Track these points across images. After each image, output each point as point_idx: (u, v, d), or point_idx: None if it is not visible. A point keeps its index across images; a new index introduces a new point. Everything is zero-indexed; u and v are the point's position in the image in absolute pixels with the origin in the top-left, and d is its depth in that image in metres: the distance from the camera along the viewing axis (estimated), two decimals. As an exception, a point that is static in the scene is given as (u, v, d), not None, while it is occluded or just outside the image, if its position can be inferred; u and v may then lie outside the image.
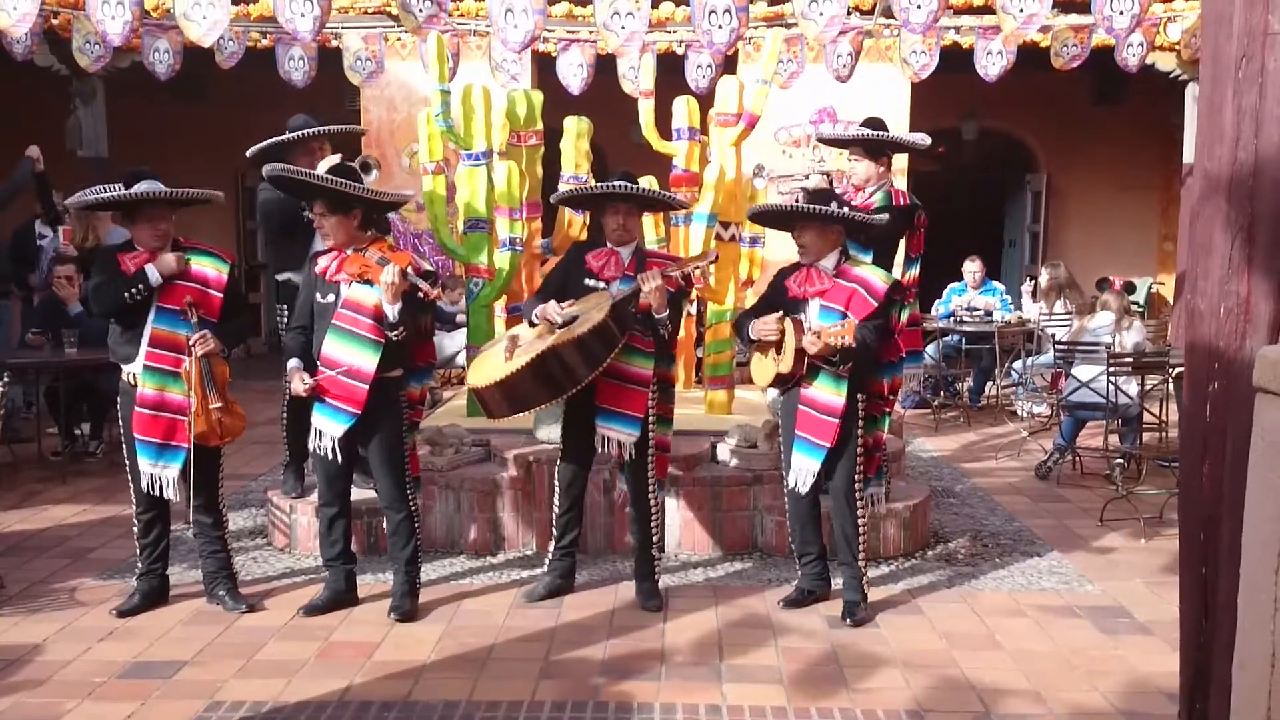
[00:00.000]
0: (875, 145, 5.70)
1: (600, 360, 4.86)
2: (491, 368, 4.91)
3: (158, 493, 4.91)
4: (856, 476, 4.98)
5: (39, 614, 5.04)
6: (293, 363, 4.94)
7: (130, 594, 5.11)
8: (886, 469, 5.82)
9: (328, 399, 4.83)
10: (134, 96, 11.56)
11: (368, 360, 4.77)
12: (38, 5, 6.70)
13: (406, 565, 5.04)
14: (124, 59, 9.91)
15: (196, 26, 6.74)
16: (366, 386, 4.78)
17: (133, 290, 4.77)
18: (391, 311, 4.71)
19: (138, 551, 5.11)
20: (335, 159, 5.77)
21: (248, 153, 6.04)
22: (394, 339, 4.78)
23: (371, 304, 4.77)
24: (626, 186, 5.08)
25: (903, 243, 5.76)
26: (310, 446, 4.96)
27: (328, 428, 4.85)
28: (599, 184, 5.17)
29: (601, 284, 5.05)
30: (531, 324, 5.04)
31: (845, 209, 5.00)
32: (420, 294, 4.75)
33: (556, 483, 5.29)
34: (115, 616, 4.97)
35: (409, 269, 4.71)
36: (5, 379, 6.08)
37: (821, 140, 6.16)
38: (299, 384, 4.86)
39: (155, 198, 4.84)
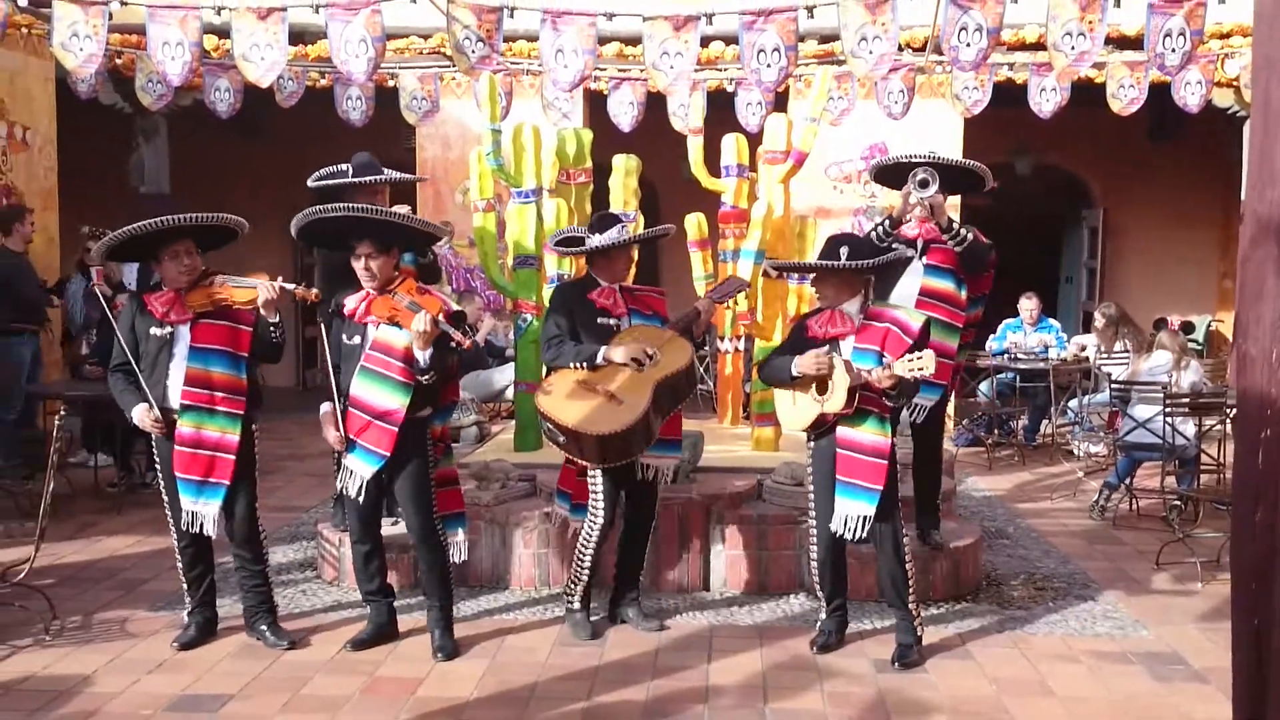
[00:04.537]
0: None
1: (687, 393, 5.13)
2: (595, 412, 4.85)
3: (197, 529, 4.96)
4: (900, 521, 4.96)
5: (90, 645, 5.11)
6: (326, 406, 4.97)
7: (186, 626, 5.15)
8: None
9: (360, 440, 4.89)
10: (196, 134, 11.79)
11: (398, 403, 4.81)
12: (103, 47, 6.85)
13: (441, 601, 5.06)
14: (186, 97, 10.12)
15: (255, 67, 6.85)
16: (397, 429, 4.83)
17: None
18: (423, 358, 4.76)
19: (185, 586, 5.16)
20: (405, 209, 5.82)
21: (309, 182, 6.11)
22: (424, 383, 4.83)
23: (401, 346, 4.82)
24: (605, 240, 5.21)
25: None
26: (343, 488, 5.02)
27: (359, 469, 4.91)
28: (599, 238, 5.23)
29: (613, 320, 5.15)
30: (585, 366, 5.02)
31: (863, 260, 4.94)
32: (453, 343, 4.78)
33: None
34: (177, 649, 5.01)
35: (440, 316, 4.73)
36: (62, 411, 6.18)
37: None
38: (331, 434, 4.94)
39: (175, 228, 4.78)
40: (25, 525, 5.62)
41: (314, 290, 4.92)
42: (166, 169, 11.41)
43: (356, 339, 4.91)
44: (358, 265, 4.92)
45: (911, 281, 5.55)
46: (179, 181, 11.73)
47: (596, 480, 5.12)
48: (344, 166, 6.10)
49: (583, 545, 5.19)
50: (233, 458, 4.91)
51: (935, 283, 5.55)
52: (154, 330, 4.90)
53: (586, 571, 5.21)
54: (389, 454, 4.84)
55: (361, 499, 4.95)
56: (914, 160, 5.61)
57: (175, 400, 4.88)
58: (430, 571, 5.05)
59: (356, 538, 5.11)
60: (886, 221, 5.52)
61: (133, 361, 4.90)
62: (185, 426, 4.88)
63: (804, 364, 4.77)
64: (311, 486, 8.44)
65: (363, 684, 4.66)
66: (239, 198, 11.84)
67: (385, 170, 6.17)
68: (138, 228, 4.78)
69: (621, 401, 4.85)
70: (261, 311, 4.86)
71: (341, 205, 5.05)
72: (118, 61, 9.56)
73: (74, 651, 5.02)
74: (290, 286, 4.84)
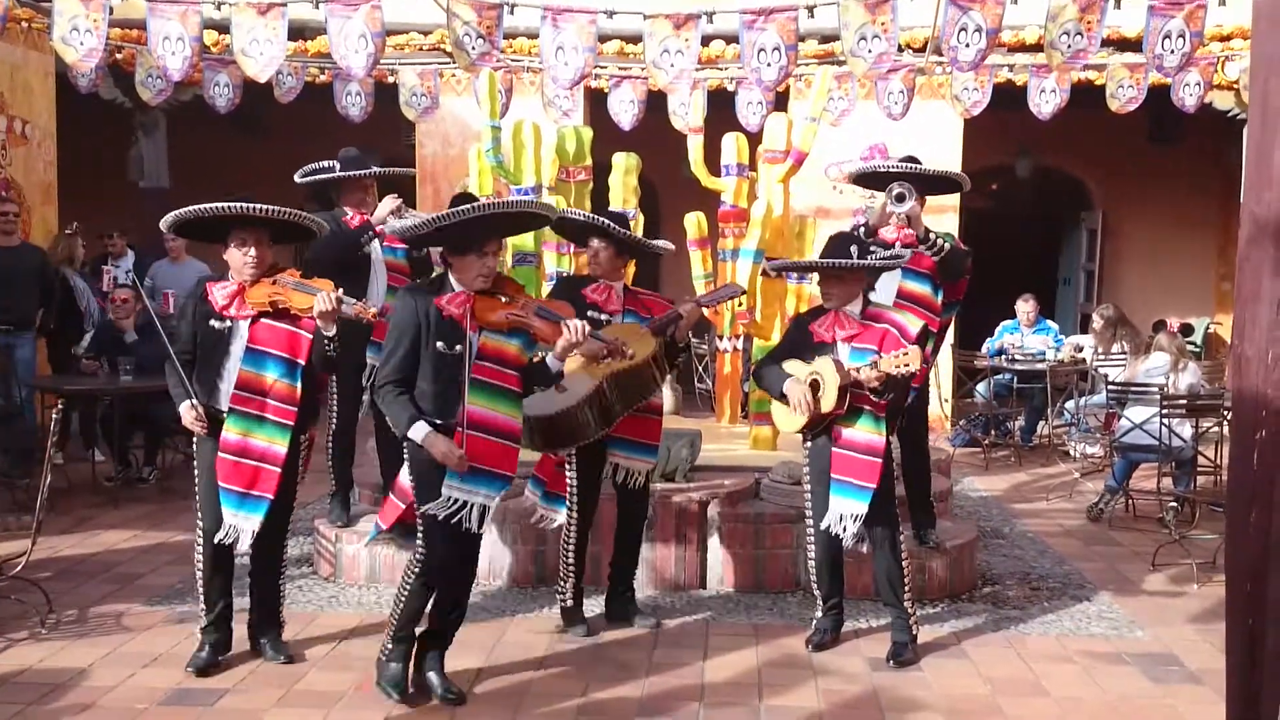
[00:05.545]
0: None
1: (654, 388, 4.99)
2: (537, 396, 4.73)
3: (230, 541, 4.55)
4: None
5: (86, 638, 5.10)
6: (423, 429, 4.19)
7: (199, 647, 4.75)
8: None
9: (485, 466, 4.26)
10: (195, 129, 11.78)
11: (514, 417, 4.35)
12: (103, 41, 6.85)
13: (447, 639, 4.49)
14: (185, 92, 10.09)
15: (253, 62, 6.85)
16: (518, 446, 4.39)
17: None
18: (558, 367, 4.36)
19: (201, 591, 4.75)
20: (393, 199, 5.82)
21: (297, 178, 6.10)
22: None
23: (512, 352, 4.34)
24: (596, 220, 5.21)
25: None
26: (441, 516, 4.25)
27: (481, 499, 4.28)
28: (590, 218, 5.27)
29: (604, 316, 5.11)
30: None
31: (870, 258, 4.97)
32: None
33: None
34: (193, 675, 4.63)
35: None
36: (60, 404, 6.18)
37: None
38: (455, 456, 4.18)
39: (249, 215, 4.51)
40: (22, 518, 5.61)
41: (371, 310, 4.51)
42: (166, 164, 11.40)
43: (458, 347, 4.22)
44: (481, 264, 4.26)
45: (889, 284, 5.57)
46: (178, 176, 11.72)
47: (571, 474, 5.17)
48: (330, 163, 6.09)
49: (565, 541, 5.25)
50: (278, 470, 4.54)
51: (912, 286, 5.55)
52: (213, 322, 4.56)
53: (572, 567, 5.24)
54: (514, 474, 4.35)
55: (474, 535, 4.33)
56: (891, 170, 5.65)
57: (225, 402, 4.55)
58: (461, 598, 4.46)
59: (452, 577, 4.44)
60: (863, 229, 5.57)
61: (180, 354, 4.60)
62: (231, 433, 4.51)
63: (792, 396, 4.81)
64: (308, 482, 8.37)
65: (357, 679, 4.66)
66: (237, 192, 11.82)
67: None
68: (217, 208, 4.47)
69: (564, 389, 4.75)
70: (318, 322, 4.44)
71: (492, 201, 4.65)
72: (118, 56, 9.55)
73: (70, 645, 5.02)
74: (349, 302, 4.43)
